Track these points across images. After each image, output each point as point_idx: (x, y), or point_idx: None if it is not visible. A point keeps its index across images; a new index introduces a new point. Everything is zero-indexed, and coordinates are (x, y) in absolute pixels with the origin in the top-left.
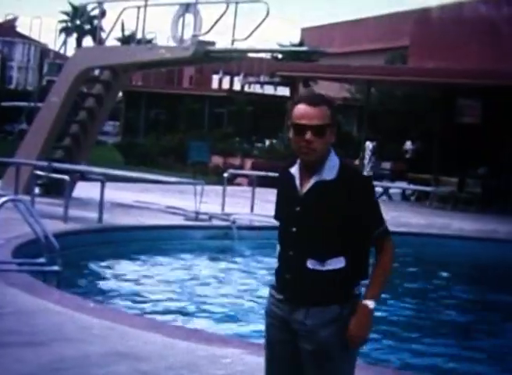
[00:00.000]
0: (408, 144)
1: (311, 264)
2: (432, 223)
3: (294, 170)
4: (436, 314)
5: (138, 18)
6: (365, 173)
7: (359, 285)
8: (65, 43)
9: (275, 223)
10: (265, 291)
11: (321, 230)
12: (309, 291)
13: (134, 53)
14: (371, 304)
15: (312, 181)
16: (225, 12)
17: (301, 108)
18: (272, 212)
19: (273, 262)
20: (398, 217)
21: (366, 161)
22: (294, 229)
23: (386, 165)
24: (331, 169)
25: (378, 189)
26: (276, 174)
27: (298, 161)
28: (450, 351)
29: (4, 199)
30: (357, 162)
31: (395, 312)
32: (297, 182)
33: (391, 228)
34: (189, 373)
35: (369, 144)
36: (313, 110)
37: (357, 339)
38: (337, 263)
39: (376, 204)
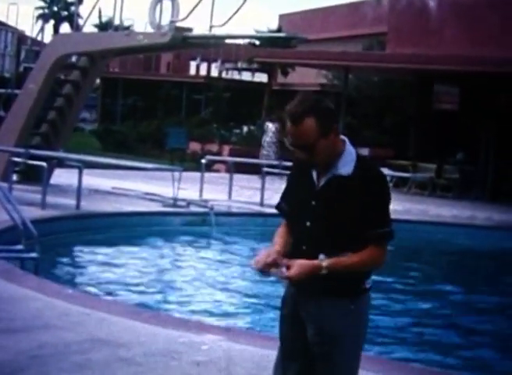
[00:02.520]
0: None
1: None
2: (409, 209)
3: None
4: (410, 304)
5: (115, 4)
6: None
7: (369, 279)
8: (42, 29)
9: (253, 209)
10: (242, 278)
11: (335, 226)
12: (321, 284)
13: (111, 39)
14: (324, 263)
15: (328, 176)
16: None
17: (288, 125)
18: (248, 199)
19: (250, 248)
20: None
21: (266, 145)
22: (308, 223)
23: (364, 151)
24: (347, 164)
25: None
26: (253, 161)
27: None
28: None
29: None
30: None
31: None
32: (315, 175)
33: None
34: (169, 359)
35: (271, 126)
36: (297, 130)
37: (288, 277)
38: None
39: (386, 204)
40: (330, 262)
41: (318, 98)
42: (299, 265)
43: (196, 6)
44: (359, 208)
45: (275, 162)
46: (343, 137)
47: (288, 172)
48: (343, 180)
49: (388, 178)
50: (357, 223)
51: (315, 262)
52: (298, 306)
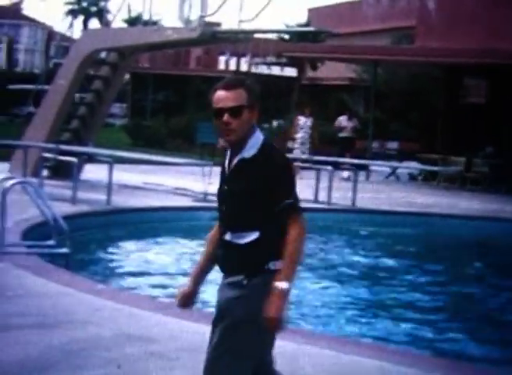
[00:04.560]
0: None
1: (231, 238)
2: (438, 202)
3: (229, 151)
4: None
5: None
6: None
7: (275, 261)
8: (71, 25)
9: None
10: None
11: (240, 206)
12: (229, 263)
13: (141, 35)
14: (282, 285)
15: (235, 160)
16: None
17: (218, 93)
18: None
19: None
20: (405, 197)
21: (300, 141)
22: (224, 207)
23: (393, 144)
24: (252, 147)
25: (386, 169)
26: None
27: None
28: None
29: (13, 182)
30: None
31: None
32: (226, 162)
33: (397, 208)
34: (200, 354)
35: (304, 121)
36: (228, 93)
37: (270, 321)
38: (251, 236)
39: (287, 179)
40: (286, 277)
41: (251, 80)
42: (273, 309)
43: (225, 1)
44: (262, 187)
45: (304, 157)
46: (257, 128)
47: (318, 166)
48: (245, 163)
49: (417, 172)
50: (264, 202)
51: (277, 295)
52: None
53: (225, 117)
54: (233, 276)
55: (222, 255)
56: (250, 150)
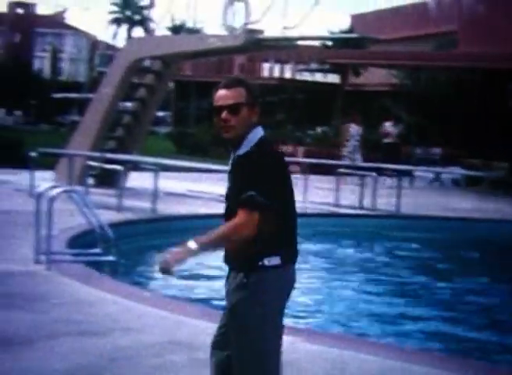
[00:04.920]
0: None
1: None
2: (483, 207)
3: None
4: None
5: (188, 8)
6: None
7: (270, 257)
8: (115, 34)
9: (328, 210)
10: (317, 278)
11: (232, 203)
12: (228, 259)
13: (185, 43)
14: (191, 243)
15: (232, 158)
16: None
17: (218, 92)
18: (325, 200)
19: (326, 249)
20: (449, 203)
21: (352, 150)
22: (226, 205)
23: (436, 150)
24: (246, 145)
25: (429, 175)
26: (328, 161)
27: None
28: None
29: (59, 190)
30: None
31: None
32: (230, 161)
33: (441, 213)
34: None
35: (357, 129)
36: (227, 92)
37: (162, 262)
38: None
39: (252, 174)
40: (199, 240)
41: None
42: (170, 252)
43: (269, 8)
44: (235, 183)
45: (348, 163)
46: (259, 126)
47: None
48: (235, 160)
49: (460, 177)
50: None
51: (184, 245)
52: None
53: (224, 114)
54: (234, 272)
55: (224, 251)
56: (245, 147)
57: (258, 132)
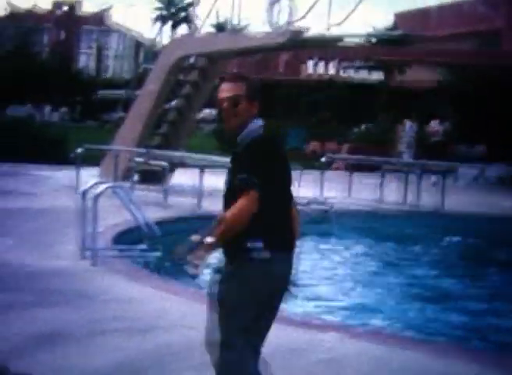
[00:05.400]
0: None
1: None
2: None
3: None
4: None
5: (233, 5)
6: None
7: (254, 241)
8: (160, 31)
9: (372, 207)
10: (362, 276)
11: (230, 189)
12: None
13: (230, 40)
14: (208, 238)
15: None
16: None
17: (221, 85)
18: (369, 196)
19: (370, 245)
20: (493, 200)
21: (406, 146)
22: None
23: (481, 147)
24: (247, 134)
25: (474, 172)
26: (373, 158)
27: None
28: None
29: (105, 186)
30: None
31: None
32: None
33: (486, 211)
34: (292, 357)
35: (410, 126)
36: (227, 85)
37: (189, 264)
38: None
39: (245, 157)
40: (211, 234)
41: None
42: (193, 253)
43: (313, 6)
44: (233, 169)
45: (393, 160)
46: (260, 118)
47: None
48: (236, 148)
49: (505, 174)
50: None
51: (203, 245)
52: None
53: (225, 105)
54: (225, 256)
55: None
56: (246, 137)
57: (258, 123)
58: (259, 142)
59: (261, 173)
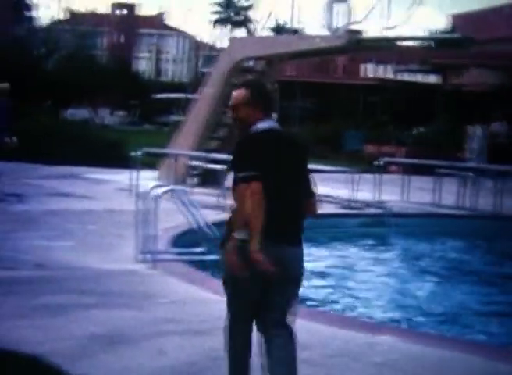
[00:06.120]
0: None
1: None
2: None
3: None
4: None
5: (292, 8)
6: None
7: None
8: (218, 34)
9: (429, 210)
10: (419, 280)
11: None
12: None
13: (289, 43)
14: (252, 245)
15: None
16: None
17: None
18: (424, 200)
19: (427, 249)
20: None
21: (475, 152)
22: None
23: None
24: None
25: None
26: (430, 162)
27: None
28: None
29: (163, 189)
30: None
31: None
32: None
33: None
34: (347, 360)
35: (478, 132)
36: (234, 94)
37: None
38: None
39: (236, 155)
40: (251, 233)
41: (262, 83)
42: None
43: (372, 9)
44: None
45: (447, 164)
46: (269, 119)
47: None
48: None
49: None
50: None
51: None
52: None
53: (231, 113)
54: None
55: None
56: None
57: (263, 124)
58: (238, 142)
59: (238, 169)
